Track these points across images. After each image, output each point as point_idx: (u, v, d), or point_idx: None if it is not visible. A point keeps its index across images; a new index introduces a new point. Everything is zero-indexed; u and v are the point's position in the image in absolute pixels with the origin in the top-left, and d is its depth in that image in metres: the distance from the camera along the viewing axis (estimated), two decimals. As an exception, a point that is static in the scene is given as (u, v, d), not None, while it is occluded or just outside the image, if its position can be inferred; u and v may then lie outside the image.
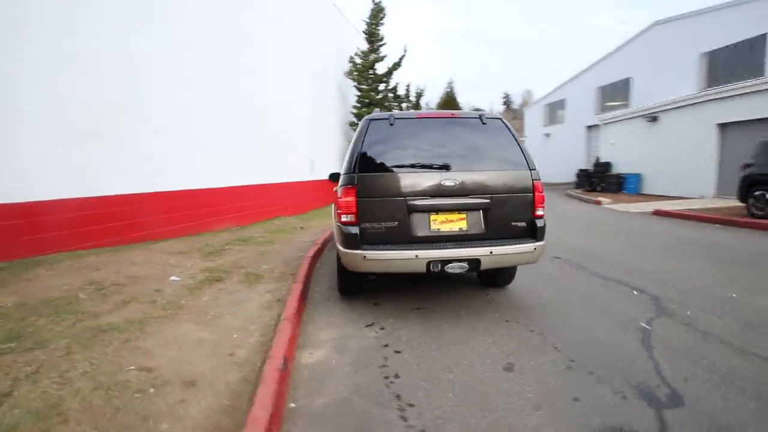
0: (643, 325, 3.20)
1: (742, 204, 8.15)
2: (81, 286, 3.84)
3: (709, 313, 3.40)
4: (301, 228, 9.10)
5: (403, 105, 17.88)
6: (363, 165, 3.24)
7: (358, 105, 14.64)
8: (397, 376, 2.47)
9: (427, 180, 3.23)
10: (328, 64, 13.84)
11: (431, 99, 35.17)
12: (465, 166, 3.29)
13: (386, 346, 2.93)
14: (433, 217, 3.25)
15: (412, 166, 3.26)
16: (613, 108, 21.41)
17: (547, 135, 27.65)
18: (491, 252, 3.15)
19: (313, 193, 12.67)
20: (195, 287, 4.31)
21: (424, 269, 3.13)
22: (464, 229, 3.26)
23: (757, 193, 7.68)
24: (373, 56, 14.41)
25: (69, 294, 3.59)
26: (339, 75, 14.63)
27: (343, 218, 3.24)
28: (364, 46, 14.67)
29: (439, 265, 3.12)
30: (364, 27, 14.46)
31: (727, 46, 15.17)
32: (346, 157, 3.59)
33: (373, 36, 14.32)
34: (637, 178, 16.09)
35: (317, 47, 13.00)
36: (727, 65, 15.30)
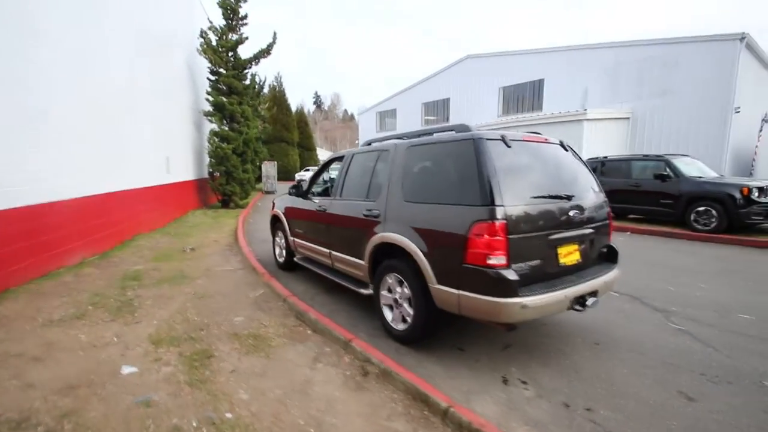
0: (679, 327, 3.84)
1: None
2: (11, 428, 1.80)
3: (692, 308, 4.22)
4: (192, 250, 6.96)
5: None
6: (504, 194, 2.71)
7: (215, 92, 12.15)
8: (646, 444, 2.20)
9: (560, 211, 2.97)
10: (177, 39, 10.92)
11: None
12: (579, 195, 3.19)
13: (567, 406, 2.56)
14: (559, 249, 3.03)
15: (549, 196, 2.94)
16: (434, 122, 25.05)
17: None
18: (605, 281, 3.18)
19: (173, 200, 9.84)
20: (193, 379, 2.74)
21: (565, 309, 2.90)
22: (579, 260, 3.17)
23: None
24: (234, 36, 12.19)
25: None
26: (189, 55, 11.75)
27: (490, 260, 2.63)
28: (220, 21, 12.25)
29: (575, 302, 2.95)
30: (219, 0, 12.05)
31: (518, 84, 20.02)
32: (459, 182, 2.90)
33: (232, 12, 12.09)
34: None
35: (163, 16, 10.06)
36: (518, 99, 20.20)
